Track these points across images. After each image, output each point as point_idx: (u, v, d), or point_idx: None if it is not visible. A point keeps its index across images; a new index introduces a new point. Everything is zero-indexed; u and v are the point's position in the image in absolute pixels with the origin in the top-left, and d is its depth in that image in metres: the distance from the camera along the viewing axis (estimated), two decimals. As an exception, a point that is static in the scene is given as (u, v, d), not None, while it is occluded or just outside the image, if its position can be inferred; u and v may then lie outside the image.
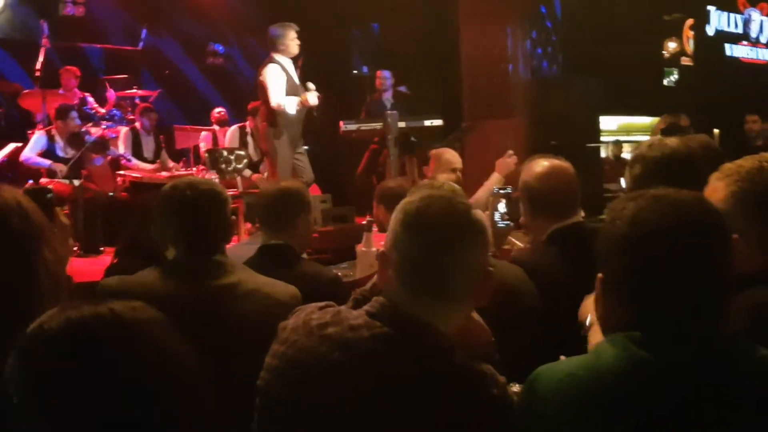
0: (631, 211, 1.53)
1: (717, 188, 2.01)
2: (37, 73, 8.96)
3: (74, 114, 8.13)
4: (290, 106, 7.24)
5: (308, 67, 8.67)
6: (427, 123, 8.01)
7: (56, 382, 1.23)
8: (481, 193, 4.84)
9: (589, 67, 9.93)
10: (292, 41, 7.38)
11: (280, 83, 7.26)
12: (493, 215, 3.52)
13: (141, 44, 10.32)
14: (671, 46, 13.17)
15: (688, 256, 1.48)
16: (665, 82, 13.13)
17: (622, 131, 12.73)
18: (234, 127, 9.33)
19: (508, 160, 5.04)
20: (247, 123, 9.20)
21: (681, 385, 1.44)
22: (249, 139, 9.11)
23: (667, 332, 1.47)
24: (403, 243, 1.67)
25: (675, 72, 13.23)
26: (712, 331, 1.49)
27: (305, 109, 7.45)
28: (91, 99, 9.31)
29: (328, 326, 1.66)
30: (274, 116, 7.32)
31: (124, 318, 1.29)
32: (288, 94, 7.29)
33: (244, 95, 9.48)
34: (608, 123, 11.61)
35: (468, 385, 1.58)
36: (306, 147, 9.67)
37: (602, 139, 10.09)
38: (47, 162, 7.83)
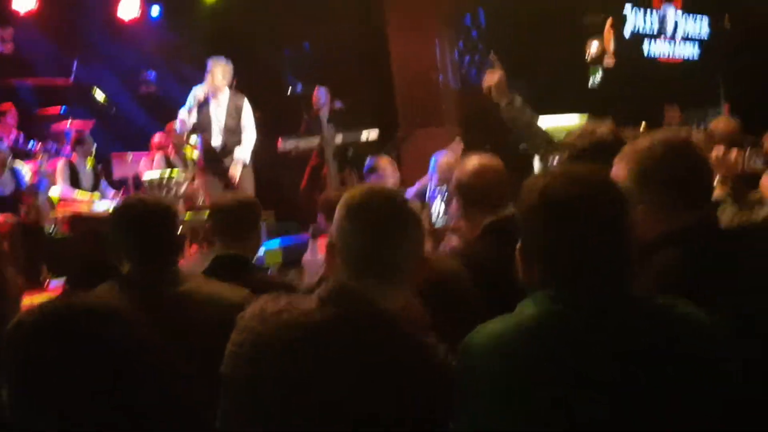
0: (541, 184, 1.73)
1: (619, 168, 2.24)
2: (-30, 114, 8.90)
3: (3, 146, 8.12)
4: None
5: (242, 89, 8.80)
6: (364, 136, 8.19)
7: (39, 363, 1.39)
8: (417, 186, 5.04)
9: (516, 71, 10.18)
10: (209, 73, 7.85)
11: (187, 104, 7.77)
12: (430, 213, 3.69)
13: (72, 76, 10.29)
14: (594, 46, 13.54)
15: (590, 220, 1.69)
16: (590, 82, 13.50)
17: (555, 132, 13.03)
18: (158, 154, 9.46)
19: (444, 156, 5.24)
20: (169, 148, 9.37)
21: (589, 332, 1.64)
22: (174, 161, 9.23)
23: (575, 288, 1.67)
24: (348, 232, 1.86)
25: (599, 71, 13.61)
26: (616, 286, 1.69)
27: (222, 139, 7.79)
28: (22, 136, 9.28)
29: (283, 312, 1.83)
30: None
31: (92, 305, 1.44)
32: (202, 124, 7.59)
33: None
34: (542, 124, 11.87)
35: (415, 353, 1.76)
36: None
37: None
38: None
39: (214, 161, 8.16)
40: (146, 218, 2.66)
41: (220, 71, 7.92)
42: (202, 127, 8.06)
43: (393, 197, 1.91)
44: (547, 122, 10.74)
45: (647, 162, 2.19)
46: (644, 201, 2.10)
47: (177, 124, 8.30)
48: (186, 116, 7.96)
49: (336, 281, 1.86)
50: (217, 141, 8.11)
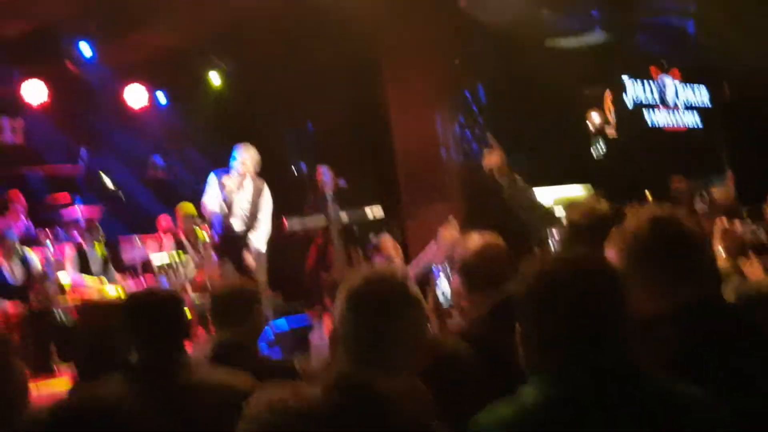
0: (537, 271, 1.77)
1: (610, 251, 2.27)
2: (-20, 202, 9.04)
3: (11, 234, 8.23)
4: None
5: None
6: (369, 213, 8.26)
7: None
8: (420, 262, 5.07)
9: (517, 144, 10.31)
10: (239, 160, 7.93)
11: (212, 194, 7.76)
12: (436, 292, 3.72)
13: (81, 163, 10.46)
14: (595, 117, 13.73)
15: (585, 305, 1.72)
16: (593, 153, 13.64)
17: (560, 203, 13.09)
18: (168, 237, 9.51)
19: (446, 230, 5.28)
20: (179, 231, 9.43)
21: (587, 416, 1.66)
22: (186, 243, 9.28)
23: (572, 372, 1.70)
24: (348, 320, 1.90)
25: (601, 142, 13.76)
26: (612, 369, 1.71)
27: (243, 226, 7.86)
28: (31, 224, 9.39)
29: (289, 402, 1.85)
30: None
31: (99, 404, 1.48)
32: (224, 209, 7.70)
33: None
34: (544, 196, 11.97)
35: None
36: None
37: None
38: (10, 305, 7.88)
39: (232, 246, 8.20)
40: (152, 309, 2.72)
41: (250, 158, 8.09)
42: (224, 211, 8.11)
43: (392, 284, 1.95)
44: (551, 193, 10.87)
45: (635, 242, 2.22)
46: (639, 280, 2.12)
47: (204, 211, 8.32)
48: (213, 203, 8.01)
49: (339, 371, 1.90)
50: (238, 226, 8.17)
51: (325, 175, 9.37)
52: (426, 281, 4.20)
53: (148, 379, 2.63)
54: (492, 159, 3.97)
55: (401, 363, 1.90)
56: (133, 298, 2.79)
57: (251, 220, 8.18)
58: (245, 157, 8.00)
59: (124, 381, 2.63)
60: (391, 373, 1.88)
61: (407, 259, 6.83)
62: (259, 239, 8.20)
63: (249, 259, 8.09)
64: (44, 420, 1.47)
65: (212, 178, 8.03)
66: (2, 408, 1.79)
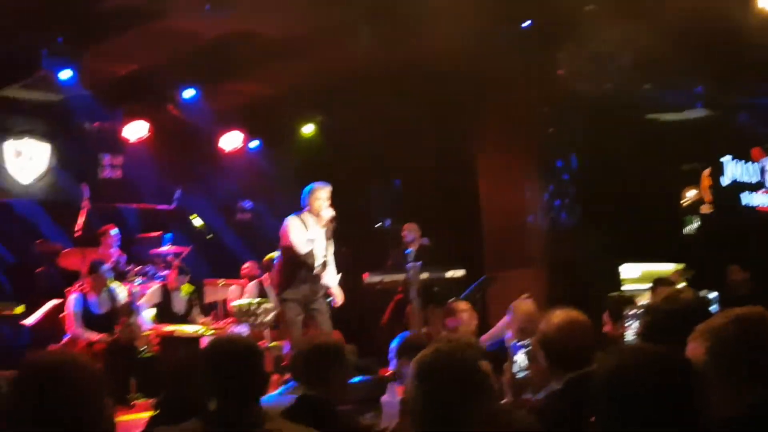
0: (613, 362, 1.74)
1: (694, 346, 2.22)
2: (77, 234, 9.36)
3: (105, 268, 8.49)
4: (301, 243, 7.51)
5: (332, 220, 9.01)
6: (450, 274, 8.20)
7: None
8: (494, 331, 5.01)
9: (607, 216, 10.16)
10: (316, 200, 7.65)
11: (298, 234, 7.54)
12: (512, 366, 3.67)
13: (175, 203, 10.77)
14: (690, 194, 13.45)
15: (656, 403, 1.69)
16: (686, 230, 13.33)
17: (646, 279, 12.82)
18: (252, 283, 9.61)
19: (522, 303, 5.22)
20: (263, 277, 9.51)
21: None
22: (268, 290, 9.35)
23: None
24: (417, 391, 1.89)
25: (695, 220, 13.45)
26: None
27: (321, 266, 7.72)
28: (123, 258, 9.67)
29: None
30: (282, 277, 7.59)
31: None
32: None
33: (271, 249, 9.80)
34: (631, 271, 11.73)
35: None
36: (330, 299, 9.91)
37: (624, 287, 10.21)
38: (95, 336, 8.10)
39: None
40: (234, 359, 2.74)
41: (327, 196, 7.82)
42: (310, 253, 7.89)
43: (462, 360, 1.96)
44: (638, 270, 10.64)
45: (719, 341, 2.18)
46: (718, 379, 2.07)
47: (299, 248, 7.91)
48: (303, 245, 7.71)
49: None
50: (318, 265, 7.90)
51: (410, 232, 9.38)
52: (501, 352, 4.14)
53: (226, 428, 2.65)
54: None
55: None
56: (215, 346, 2.82)
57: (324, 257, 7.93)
58: (325, 196, 7.79)
59: (200, 428, 2.66)
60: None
61: (486, 325, 6.75)
62: (333, 278, 7.98)
63: (338, 298, 7.97)
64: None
65: (294, 221, 7.66)
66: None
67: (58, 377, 1.85)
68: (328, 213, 7.63)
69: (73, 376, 1.85)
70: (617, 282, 9.56)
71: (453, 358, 1.96)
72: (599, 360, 1.83)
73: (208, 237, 10.83)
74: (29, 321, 8.78)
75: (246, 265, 10.33)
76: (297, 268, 7.61)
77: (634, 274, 12.36)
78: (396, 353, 4.23)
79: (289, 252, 7.59)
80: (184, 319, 9.11)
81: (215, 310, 9.68)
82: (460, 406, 1.89)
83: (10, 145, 10.68)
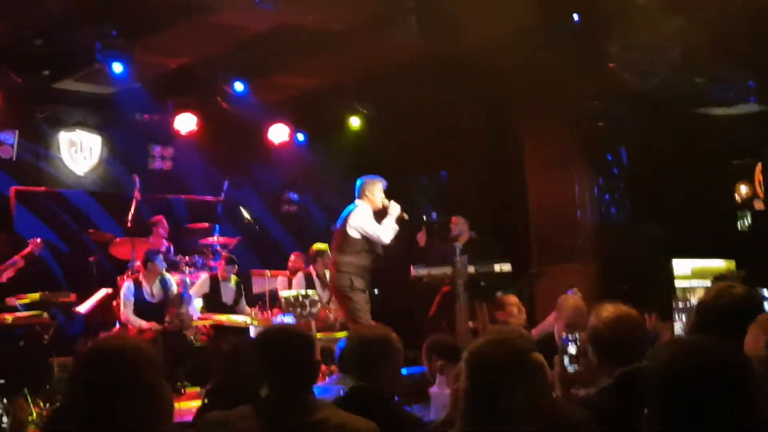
0: (666, 356, 1.72)
1: (752, 335, 2.18)
2: (129, 224, 9.51)
3: (159, 258, 8.62)
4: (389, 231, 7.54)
5: (380, 214, 9.03)
6: (497, 268, 8.16)
7: None
8: (543, 326, 4.99)
9: (657, 211, 10.04)
10: (378, 192, 7.72)
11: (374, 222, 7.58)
12: (562, 359, 3.65)
13: (223, 195, 10.88)
14: (743, 189, 13.21)
15: (711, 393, 1.67)
16: (738, 225, 13.09)
17: (696, 275, 12.61)
18: (300, 274, 9.67)
19: (570, 297, 5.19)
20: (311, 269, 9.57)
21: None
22: (316, 281, 9.40)
23: None
24: (469, 380, 1.89)
25: (748, 215, 13.20)
26: None
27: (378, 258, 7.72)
28: (172, 248, 9.81)
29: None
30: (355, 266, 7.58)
31: None
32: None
33: (317, 241, 9.86)
34: (681, 267, 11.55)
35: None
36: (376, 291, 9.93)
37: (675, 284, 10.06)
38: (146, 324, 8.23)
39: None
40: (286, 347, 2.77)
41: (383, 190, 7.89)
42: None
43: (513, 349, 1.94)
44: (689, 266, 10.48)
45: None
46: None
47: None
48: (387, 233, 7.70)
49: (459, 429, 1.88)
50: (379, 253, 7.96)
51: (458, 225, 9.36)
52: (551, 346, 4.12)
53: (278, 414, 2.68)
54: None
55: (520, 426, 1.88)
56: (269, 335, 2.86)
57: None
58: (382, 189, 7.83)
59: (252, 414, 2.70)
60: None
61: (533, 320, 6.73)
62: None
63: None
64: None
65: (369, 210, 7.65)
66: (147, 429, 1.85)
67: (121, 360, 1.89)
68: (396, 206, 7.65)
69: (135, 359, 1.89)
70: (668, 278, 9.42)
71: (505, 347, 1.94)
72: (652, 354, 1.80)
73: (255, 229, 10.94)
74: (82, 309, 8.96)
75: (292, 257, 10.41)
76: (368, 257, 7.61)
77: (684, 270, 12.19)
78: (425, 354, 4.28)
79: (363, 240, 7.55)
80: (232, 309, 9.21)
81: (262, 301, 9.77)
82: (513, 395, 1.88)
83: (64, 137, 10.89)
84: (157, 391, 1.91)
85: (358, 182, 7.78)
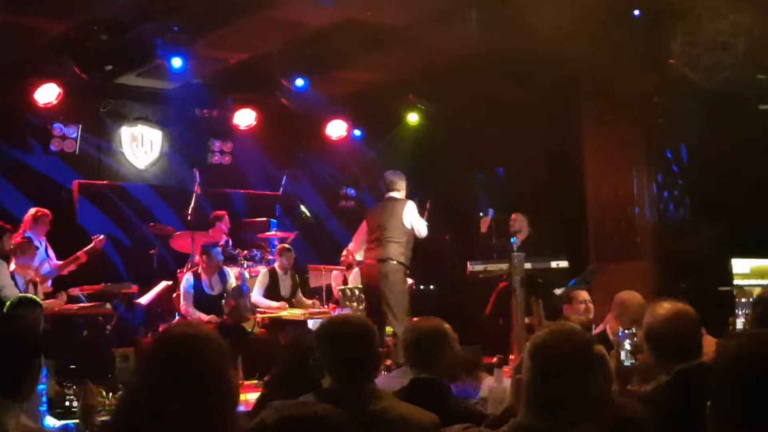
0: (734, 349, 1.71)
1: None
2: (189, 217, 9.67)
3: (217, 251, 8.78)
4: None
5: (436, 210, 9.06)
6: (554, 264, 8.12)
7: None
8: (603, 326, 4.97)
9: (717, 210, 9.87)
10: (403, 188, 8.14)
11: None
12: (619, 354, 3.64)
13: (281, 189, 11.00)
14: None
15: None
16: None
17: (756, 275, 12.36)
18: (356, 269, 9.73)
19: (627, 292, 5.20)
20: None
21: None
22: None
23: None
24: (531, 371, 1.92)
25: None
26: None
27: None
28: (231, 242, 9.95)
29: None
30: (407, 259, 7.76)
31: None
32: None
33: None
34: (740, 266, 11.34)
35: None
36: (431, 287, 9.94)
37: (735, 282, 9.89)
38: (205, 316, 8.39)
39: None
40: (349, 337, 2.83)
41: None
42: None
43: (578, 341, 1.96)
44: (750, 265, 10.29)
45: None
46: None
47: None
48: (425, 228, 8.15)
49: (518, 421, 1.91)
50: None
51: (518, 221, 9.34)
52: (605, 344, 4.11)
53: (340, 404, 2.73)
54: None
55: (581, 417, 1.90)
56: (330, 325, 2.92)
57: None
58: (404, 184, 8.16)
59: (317, 401, 2.75)
60: (571, 428, 1.88)
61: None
62: None
63: None
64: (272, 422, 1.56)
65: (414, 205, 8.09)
66: (216, 416, 1.91)
67: (192, 349, 1.95)
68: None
69: (206, 346, 1.96)
70: (727, 276, 9.26)
71: (568, 338, 1.97)
72: (719, 347, 1.79)
73: (312, 224, 11.04)
74: (143, 300, 9.16)
75: (344, 251, 10.47)
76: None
77: (744, 270, 11.96)
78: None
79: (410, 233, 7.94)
80: (290, 301, 9.32)
81: (319, 295, 9.86)
82: (574, 386, 1.90)
83: (126, 131, 11.12)
84: (226, 379, 1.97)
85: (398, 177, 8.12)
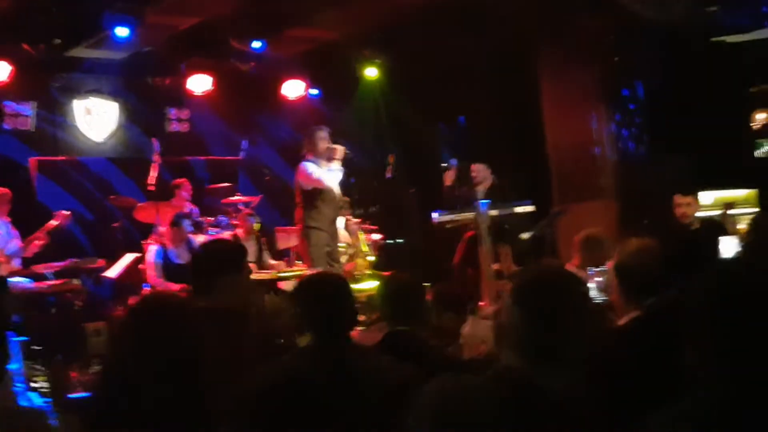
0: (717, 277, 1.72)
1: None
2: (150, 188, 9.55)
3: (187, 222, 8.71)
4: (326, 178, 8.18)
5: (400, 162, 9.06)
6: (518, 209, 8.18)
7: None
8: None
9: (676, 145, 9.98)
10: (320, 141, 8.33)
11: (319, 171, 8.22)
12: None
13: (242, 154, 10.91)
14: (759, 117, 13.08)
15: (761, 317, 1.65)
16: (756, 153, 12.99)
17: (719, 205, 12.55)
18: None
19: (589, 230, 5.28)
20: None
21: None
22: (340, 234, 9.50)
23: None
24: (516, 316, 1.93)
25: (766, 143, 13.08)
26: None
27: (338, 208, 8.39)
28: (196, 210, 9.87)
29: (459, 391, 1.90)
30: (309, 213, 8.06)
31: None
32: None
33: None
34: (704, 198, 11.51)
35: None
36: (400, 240, 9.95)
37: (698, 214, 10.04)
38: (176, 286, 8.33)
39: None
40: (326, 293, 2.84)
41: (327, 135, 8.53)
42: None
43: (561, 280, 1.97)
44: (712, 197, 10.44)
45: None
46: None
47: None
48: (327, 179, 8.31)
49: (503, 365, 1.93)
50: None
51: (479, 171, 9.37)
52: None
53: (321, 361, 2.75)
54: None
55: (566, 358, 1.92)
56: (307, 283, 2.92)
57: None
58: (325, 135, 8.43)
59: (297, 358, 2.77)
60: (558, 368, 1.90)
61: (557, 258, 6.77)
62: None
63: None
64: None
65: (309, 164, 8.30)
66: (193, 381, 1.92)
67: (171, 314, 1.95)
68: (341, 147, 8.13)
69: (184, 313, 1.95)
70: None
71: (552, 277, 1.98)
72: (692, 280, 1.78)
73: (275, 186, 10.99)
74: (111, 274, 9.08)
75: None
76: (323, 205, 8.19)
77: (707, 201, 12.13)
78: (433, 305, 4.35)
79: (314, 192, 8.13)
80: (257, 263, 9.29)
81: (287, 257, 9.85)
82: (560, 329, 1.91)
83: (79, 105, 10.93)
84: (201, 345, 1.97)
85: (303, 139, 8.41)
